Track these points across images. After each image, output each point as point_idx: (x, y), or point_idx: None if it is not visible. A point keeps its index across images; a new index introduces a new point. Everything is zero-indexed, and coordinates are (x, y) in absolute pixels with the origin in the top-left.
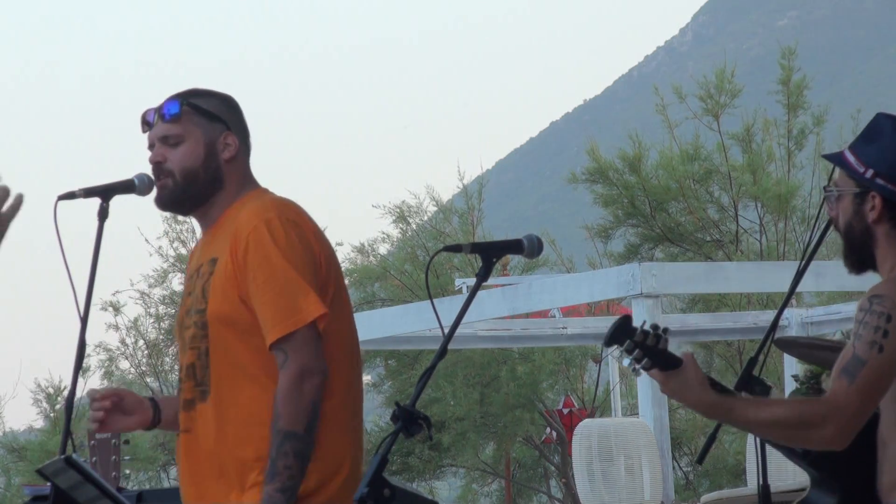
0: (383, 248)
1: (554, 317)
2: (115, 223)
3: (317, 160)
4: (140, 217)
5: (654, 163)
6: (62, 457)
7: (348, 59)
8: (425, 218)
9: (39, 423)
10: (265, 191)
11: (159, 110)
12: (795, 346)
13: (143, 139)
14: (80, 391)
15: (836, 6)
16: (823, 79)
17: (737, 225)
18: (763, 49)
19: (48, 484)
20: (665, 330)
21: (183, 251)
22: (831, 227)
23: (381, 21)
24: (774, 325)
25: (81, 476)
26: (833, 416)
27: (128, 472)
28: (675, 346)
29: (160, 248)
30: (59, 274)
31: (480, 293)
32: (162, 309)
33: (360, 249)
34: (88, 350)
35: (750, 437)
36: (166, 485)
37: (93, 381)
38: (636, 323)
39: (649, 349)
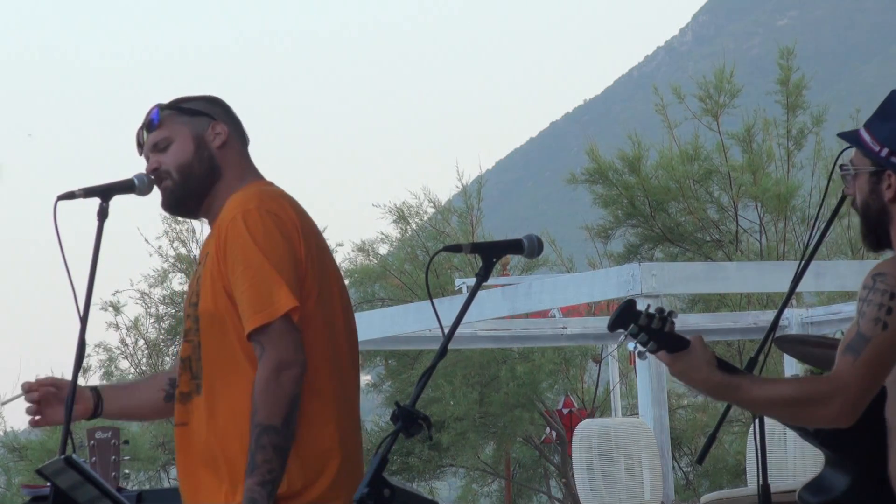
0: (383, 249)
1: (554, 317)
2: (115, 223)
3: (316, 160)
4: (140, 217)
5: (653, 163)
6: (62, 457)
7: (348, 59)
8: (425, 218)
9: None
10: (264, 182)
11: (145, 124)
12: (795, 345)
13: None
14: None
15: (836, 6)
16: (823, 79)
17: (737, 225)
18: (763, 49)
19: (48, 484)
20: (671, 313)
21: (183, 251)
22: (831, 227)
23: (381, 21)
24: (774, 325)
25: (81, 476)
26: (838, 393)
27: (128, 472)
28: None
29: (160, 248)
30: (60, 274)
31: (480, 293)
32: (162, 309)
33: (361, 249)
34: (88, 350)
35: (750, 437)
36: (166, 485)
37: (92, 381)
38: (640, 307)
39: (655, 332)
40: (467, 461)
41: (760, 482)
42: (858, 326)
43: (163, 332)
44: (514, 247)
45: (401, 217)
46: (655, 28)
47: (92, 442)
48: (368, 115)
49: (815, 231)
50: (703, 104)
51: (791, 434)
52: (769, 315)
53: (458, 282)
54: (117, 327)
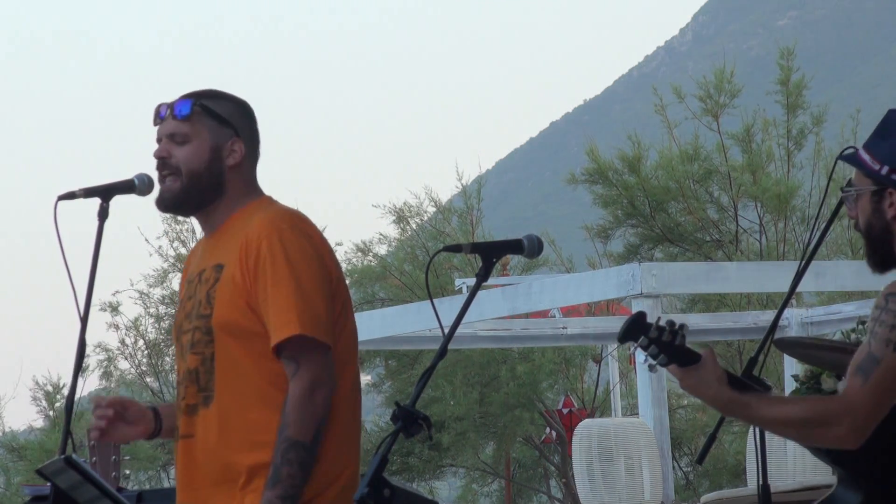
0: (382, 249)
1: (554, 317)
2: (115, 223)
3: (316, 160)
4: (140, 217)
5: (653, 163)
6: (62, 457)
7: (348, 59)
8: (425, 218)
9: (39, 423)
10: (272, 200)
11: (172, 107)
12: (795, 347)
13: (144, 140)
14: (80, 391)
15: (836, 6)
16: (823, 79)
17: (736, 225)
18: (763, 49)
19: (48, 484)
20: (682, 326)
21: (183, 251)
22: (831, 227)
23: (381, 20)
24: (774, 325)
25: (81, 476)
26: (847, 416)
27: (128, 472)
28: None
29: (160, 248)
30: (60, 274)
31: (480, 293)
32: (162, 309)
33: (361, 249)
34: (88, 350)
35: (750, 437)
36: (166, 485)
37: (92, 381)
38: (650, 319)
39: (665, 345)
40: (467, 461)
41: (760, 482)
42: (870, 346)
43: (163, 332)
44: (514, 247)
45: (400, 217)
46: (655, 28)
47: (92, 442)
48: (368, 115)
49: (815, 231)
50: (703, 104)
51: None
52: (769, 315)
53: (458, 282)
54: (117, 328)
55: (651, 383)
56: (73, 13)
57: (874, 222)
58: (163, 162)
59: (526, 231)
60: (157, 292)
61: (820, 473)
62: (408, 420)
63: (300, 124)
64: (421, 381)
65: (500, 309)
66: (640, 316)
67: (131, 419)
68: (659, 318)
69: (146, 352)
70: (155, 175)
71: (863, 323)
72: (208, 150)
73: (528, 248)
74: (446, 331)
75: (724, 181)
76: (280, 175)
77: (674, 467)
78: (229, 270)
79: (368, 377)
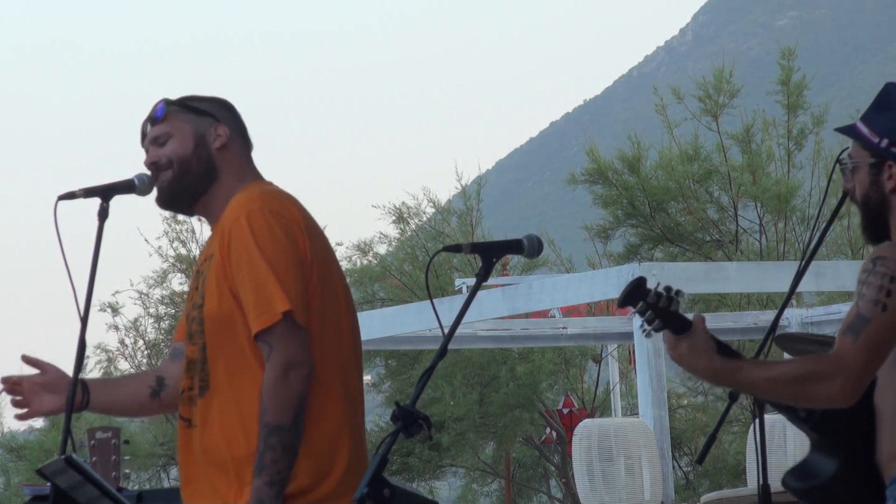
0: (382, 249)
1: (554, 317)
2: (115, 223)
3: (316, 160)
4: (140, 217)
5: (653, 163)
6: (62, 457)
7: (348, 59)
8: (424, 218)
9: (39, 423)
10: (265, 183)
11: (149, 117)
12: (795, 343)
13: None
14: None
15: (836, 6)
16: (823, 79)
17: (736, 225)
18: (763, 49)
19: (48, 484)
20: (678, 292)
21: (183, 251)
22: (831, 227)
23: (381, 20)
24: (774, 325)
25: (81, 476)
26: (839, 372)
27: (128, 472)
28: None
29: (160, 248)
30: (60, 274)
31: (480, 293)
32: (161, 309)
33: (360, 249)
34: (88, 350)
35: (750, 437)
36: (166, 485)
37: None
38: (650, 285)
39: (661, 311)
40: (467, 461)
41: (760, 482)
42: (858, 308)
43: (162, 332)
44: (513, 247)
45: (400, 218)
46: (655, 28)
47: (92, 442)
48: (368, 115)
49: (815, 231)
50: (703, 104)
51: (791, 434)
52: (769, 315)
53: (458, 282)
54: (117, 328)
55: (651, 383)
56: (74, 13)
57: (872, 194)
58: (155, 166)
59: (526, 231)
60: (157, 293)
61: None
62: (408, 420)
63: (300, 124)
64: (421, 381)
65: (500, 309)
66: (641, 281)
67: (52, 386)
68: (658, 284)
69: (146, 352)
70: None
71: None
72: (192, 139)
73: (528, 248)
74: (446, 331)
75: (724, 181)
76: (280, 175)
77: (674, 467)
78: (215, 259)
79: (368, 377)
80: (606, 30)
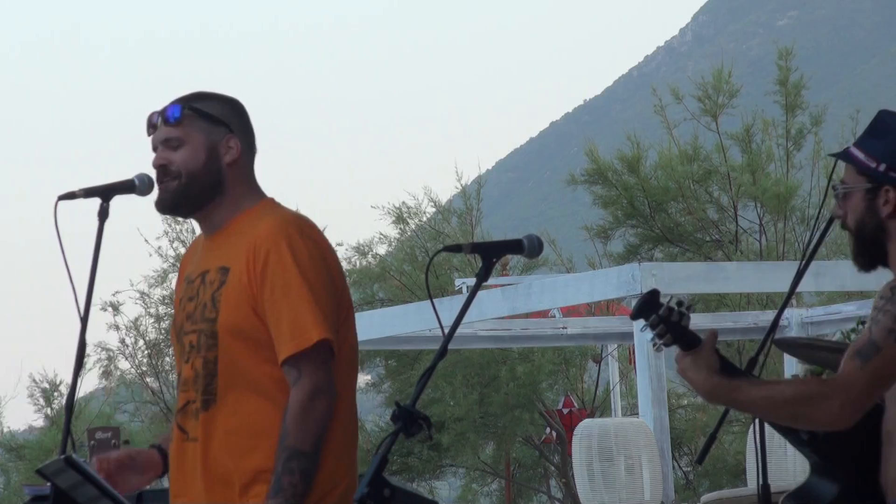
0: (381, 249)
1: (554, 317)
2: (115, 223)
3: (316, 160)
4: (140, 217)
5: (653, 163)
6: (62, 457)
7: (347, 58)
8: (424, 219)
9: (39, 423)
10: (276, 202)
11: (162, 113)
12: (795, 347)
13: (144, 140)
14: (80, 391)
15: (836, 6)
16: (823, 79)
17: (736, 225)
18: (763, 49)
19: (48, 484)
20: (689, 308)
21: (183, 251)
22: (831, 227)
23: (380, 20)
24: (774, 325)
25: (81, 476)
26: (840, 392)
27: None
28: None
29: (160, 248)
30: (60, 274)
31: (480, 293)
32: (162, 309)
33: (360, 249)
34: (88, 350)
35: (750, 437)
36: (166, 485)
37: (90, 379)
38: (663, 299)
39: (672, 325)
40: (467, 461)
41: (760, 482)
42: (871, 333)
43: (162, 332)
44: (514, 247)
45: (399, 218)
46: (655, 28)
47: (92, 442)
48: (368, 115)
49: (814, 231)
50: (702, 104)
51: None
52: (769, 315)
53: (458, 282)
54: (117, 328)
55: (651, 383)
56: (74, 13)
57: (867, 220)
58: (163, 169)
59: (526, 231)
60: (157, 292)
61: None
62: (408, 420)
63: (300, 124)
64: (421, 381)
65: (500, 309)
66: (654, 294)
67: (140, 468)
68: (671, 298)
69: (146, 352)
70: (155, 176)
71: (862, 323)
72: (204, 150)
73: (528, 248)
74: (446, 331)
75: (724, 181)
76: (280, 175)
77: (674, 467)
78: (236, 274)
79: (368, 377)
80: (606, 30)
